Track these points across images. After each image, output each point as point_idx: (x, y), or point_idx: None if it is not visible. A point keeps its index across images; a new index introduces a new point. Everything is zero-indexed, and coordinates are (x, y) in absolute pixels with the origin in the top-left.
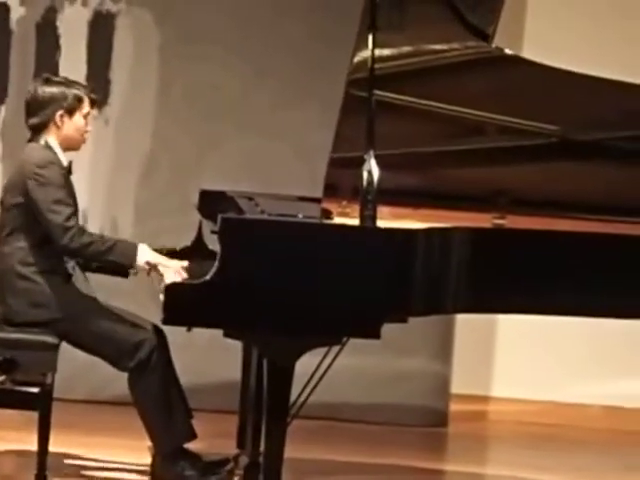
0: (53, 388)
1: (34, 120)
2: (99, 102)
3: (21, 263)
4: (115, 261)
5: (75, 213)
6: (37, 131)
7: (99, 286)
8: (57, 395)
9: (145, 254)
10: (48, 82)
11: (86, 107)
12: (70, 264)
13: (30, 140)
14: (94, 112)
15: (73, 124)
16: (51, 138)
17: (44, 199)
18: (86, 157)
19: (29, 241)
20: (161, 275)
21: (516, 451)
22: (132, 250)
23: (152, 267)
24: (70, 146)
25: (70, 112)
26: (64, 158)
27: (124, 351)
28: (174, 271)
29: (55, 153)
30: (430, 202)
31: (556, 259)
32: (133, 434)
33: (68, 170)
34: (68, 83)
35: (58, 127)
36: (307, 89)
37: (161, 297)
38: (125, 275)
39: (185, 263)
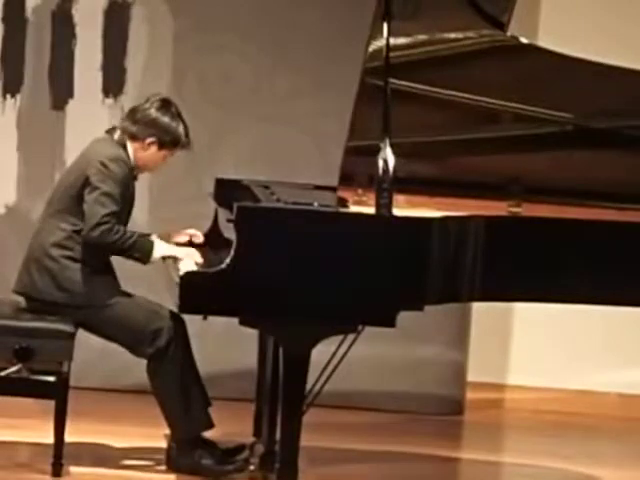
0: (69, 376)
1: (132, 128)
2: (115, 91)
3: (55, 245)
4: (133, 257)
5: (118, 214)
6: (129, 137)
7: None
8: (73, 383)
9: (161, 249)
10: (164, 108)
11: (176, 150)
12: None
13: (109, 131)
14: (109, 101)
15: (154, 156)
16: (131, 148)
17: (98, 188)
18: None
19: (71, 227)
20: (176, 263)
21: (532, 439)
22: (149, 247)
23: (166, 258)
24: (137, 166)
25: (161, 146)
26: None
27: (142, 338)
28: (189, 258)
29: (128, 154)
30: (446, 190)
31: (572, 247)
32: (149, 422)
33: (134, 176)
34: (179, 121)
35: (143, 148)
36: (322, 78)
37: (177, 283)
38: (144, 262)
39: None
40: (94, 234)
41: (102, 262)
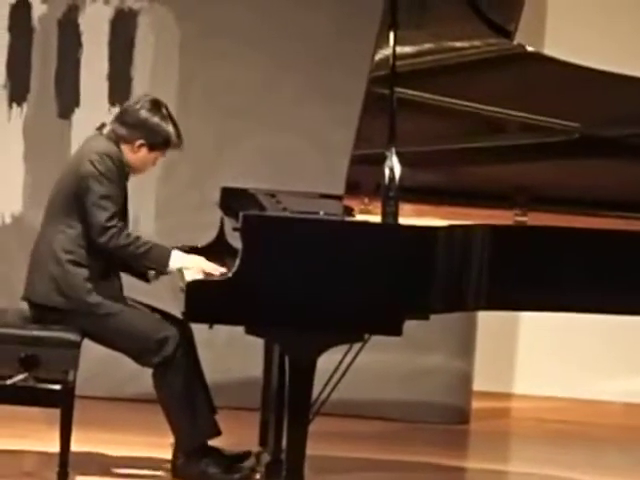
0: (75, 385)
1: (121, 130)
2: (121, 100)
3: (60, 248)
4: (148, 265)
5: (118, 213)
6: (118, 139)
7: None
8: (79, 392)
9: (178, 260)
10: (154, 109)
11: (166, 151)
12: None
13: (99, 128)
14: (116, 109)
15: (144, 157)
16: (122, 149)
17: (95, 191)
18: None
19: (72, 229)
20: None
21: (538, 448)
22: (166, 257)
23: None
24: (130, 168)
25: (151, 148)
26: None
27: (148, 348)
28: (196, 269)
29: (120, 149)
30: (452, 199)
31: (578, 256)
32: (154, 431)
33: (127, 173)
34: (168, 122)
35: (132, 151)
36: (328, 86)
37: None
38: (147, 280)
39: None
40: (103, 240)
41: (107, 267)
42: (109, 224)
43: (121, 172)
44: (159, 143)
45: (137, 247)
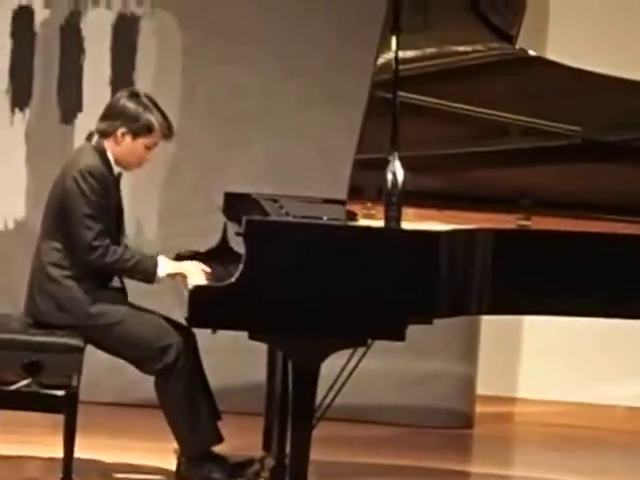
0: (79, 391)
1: (101, 125)
2: None
3: (53, 265)
4: (137, 278)
5: (104, 231)
6: (100, 135)
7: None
8: (82, 398)
9: (164, 268)
10: (132, 97)
11: (154, 138)
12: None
13: (87, 138)
14: None
15: (132, 147)
16: (108, 146)
17: (78, 210)
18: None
19: (64, 244)
20: (185, 278)
21: (542, 452)
22: (152, 268)
23: (174, 276)
24: (121, 164)
25: (134, 135)
26: (115, 167)
27: (150, 355)
28: (194, 270)
29: (106, 159)
30: (454, 203)
31: (581, 260)
32: (158, 437)
33: (116, 179)
34: (150, 108)
35: (116, 142)
36: (331, 91)
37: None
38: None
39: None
40: (90, 259)
41: (105, 276)
42: (95, 243)
43: (106, 186)
44: (140, 128)
45: (125, 262)
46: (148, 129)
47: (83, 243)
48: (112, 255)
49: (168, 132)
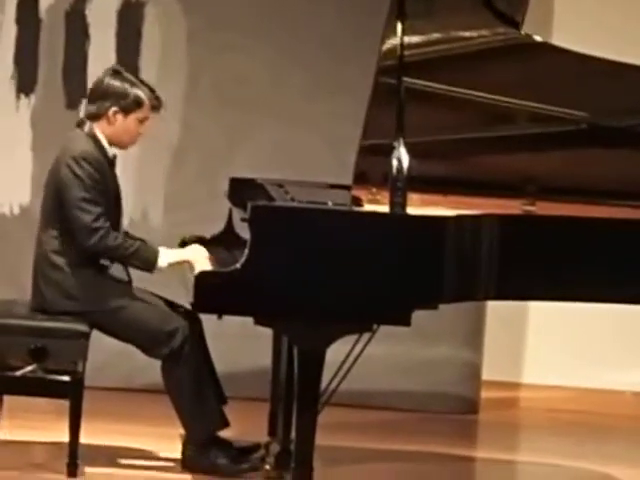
0: (84, 376)
1: (90, 108)
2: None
3: (55, 252)
4: (137, 265)
5: (104, 213)
6: (90, 119)
7: (131, 272)
8: (88, 383)
9: (166, 258)
10: (116, 75)
11: (145, 112)
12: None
13: (78, 125)
14: None
15: (125, 124)
16: (100, 129)
17: (74, 195)
18: None
19: (63, 232)
20: (190, 264)
21: (547, 438)
22: (153, 257)
23: (179, 264)
24: (116, 143)
25: (125, 112)
26: (110, 149)
27: (157, 340)
28: (197, 257)
29: (100, 144)
30: (460, 189)
31: (586, 246)
32: (164, 422)
33: (111, 162)
34: (135, 83)
35: (109, 122)
36: (337, 79)
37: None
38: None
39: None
40: (92, 241)
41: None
42: (95, 225)
43: (102, 171)
44: (131, 104)
45: (126, 248)
46: (138, 103)
47: (83, 226)
48: (114, 240)
49: (157, 102)
